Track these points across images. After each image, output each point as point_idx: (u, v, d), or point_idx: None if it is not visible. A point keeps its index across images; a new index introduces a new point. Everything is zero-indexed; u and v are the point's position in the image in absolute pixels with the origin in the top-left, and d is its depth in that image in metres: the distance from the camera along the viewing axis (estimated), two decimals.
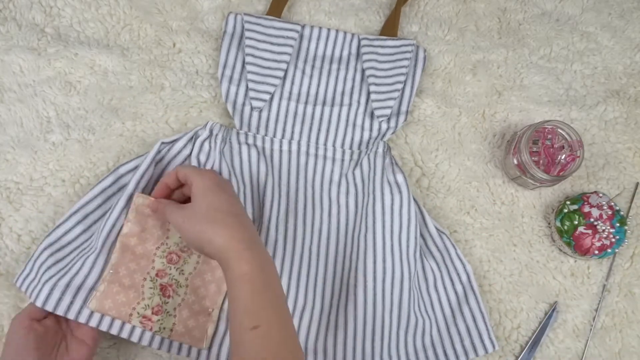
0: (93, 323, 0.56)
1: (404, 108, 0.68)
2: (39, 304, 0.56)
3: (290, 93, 0.68)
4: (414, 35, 0.73)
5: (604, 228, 0.64)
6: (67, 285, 0.57)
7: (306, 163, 0.67)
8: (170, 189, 0.59)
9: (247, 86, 0.66)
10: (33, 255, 0.59)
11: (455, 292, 0.64)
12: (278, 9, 0.70)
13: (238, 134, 0.66)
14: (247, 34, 0.67)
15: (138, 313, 0.57)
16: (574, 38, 0.75)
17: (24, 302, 0.61)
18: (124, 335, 0.57)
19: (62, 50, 0.67)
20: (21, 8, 0.69)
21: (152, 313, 0.57)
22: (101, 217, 0.61)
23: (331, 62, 0.69)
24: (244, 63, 0.67)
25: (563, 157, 0.67)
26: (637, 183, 0.71)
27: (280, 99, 0.68)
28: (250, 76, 0.66)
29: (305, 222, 0.64)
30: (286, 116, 0.67)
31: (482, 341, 0.63)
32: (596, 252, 0.65)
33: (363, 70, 0.68)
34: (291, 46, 0.67)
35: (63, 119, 0.66)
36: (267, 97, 0.66)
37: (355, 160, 0.67)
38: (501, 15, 0.75)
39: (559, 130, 0.67)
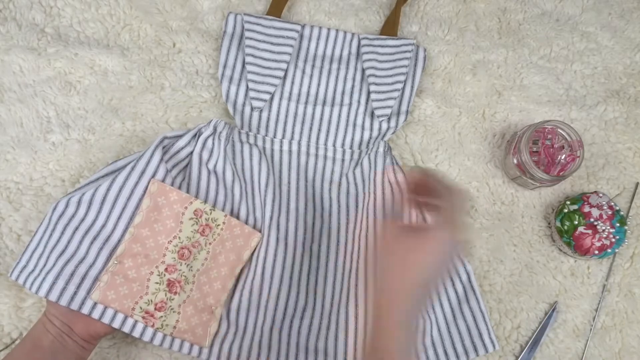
0: (96, 315, 0.55)
1: (404, 108, 0.68)
2: (42, 294, 0.54)
3: (291, 93, 0.68)
4: (414, 35, 0.73)
5: (604, 228, 0.64)
6: (72, 274, 0.55)
7: (306, 163, 0.67)
8: (415, 190, 0.48)
9: (247, 86, 0.66)
10: (29, 246, 0.57)
11: (456, 292, 0.64)
12: (278, 9, 0.70)
13: (240, 132, 0.66)
14: (247, 34, 0.67)
15: (140, 308, 0.56)
16: (574, 38, 0.75)
17: (24, 302, 0.61)
18: (126, 329, 0.56)
19: (62, 50, 0.67)
20: (21, 8, 0.69)
21: (155, 309, 0.56)
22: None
23: (331, 62, 0.69)
24: (244, 63, 0.67)
25: (563, 157, 0.67)
26: (637, 183, 0.71)
27: (281, 99, 0.68)
28: (250, 76, 0.66)
29: (306, 222, 0.64)
30: (286, 116, 0.67)
31: (482, 341, 0.63)
32: (596, 252, 0.65)
33: (363, 70, 0.68)
34: (291, 46, 0.67)
35: (63, 119, 0.66)
36: (267, 97, 0.66)
37: (355, 160, 0.67)
38: (501, 15, 0.75)
39: (559, 130, 0.67)
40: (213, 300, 0.59)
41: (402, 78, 0.68)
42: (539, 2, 0.76)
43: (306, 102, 0.68)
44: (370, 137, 0.68)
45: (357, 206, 0.65)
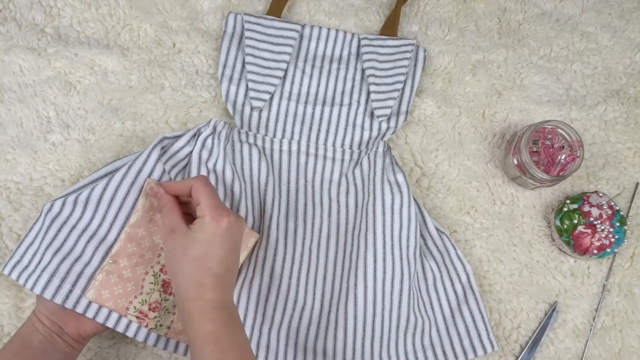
0: (90, 314, 0.55)
1: (403, 108, 0.68)
2: (37, 291, 0.54)
3: (290, 93, 0.68)
4: (414, 35, 0.73)
5: (603, 228, 0.64)
6: (67, 272, 0.55)
7: (306, 163, 0.67)
8: (179, 194, 0.55)
9: (247, 86, 0.66)
10: (23, 242, 0.57)
11: (455, 293, 0.64)
12: (278, 9, 0.70)
13: (239, 132, 0.66)
14: (247, 33, 0.67)
15: (134, 307, 0.56)
16: (574, 38, 0.75)
17: (24, 302, 0.61)
18: (120, 329, 0.56)
19: (62, 50, 0.68)
20: (21, 8, 0.69)
21: (149, 309, 0.56)
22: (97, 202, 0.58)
23: (331, 62, 0.69)
24: (244, 63, 0.67)
25: (563, 157, 0.67)
26: (637, 183, 0.71)
27: (280, 98, 0.68)
28: (250, 76, 0.66)
29: (306, 222, 0.64)
30: (286, 116, 0.67)
31: (481, 341, 0.63)
32: (595, 251, 0.65)
33: (363, 70, 0.68)
34: (291, 46, 0.67)
35: (63, 119, 0.66)
36: (267, 97, 0.66)
37: (355, 160, 0.67)
38: (501, 15, 0.75)
39: (559, 130, 0.67)
40: None
41: (402, 78, 0.68)
42: (539, 2, 0.76)
43: (306, 102, 0.68)
44: (370, 137, 0.68)
45: (356, 206, 0.65)
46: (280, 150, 0.67)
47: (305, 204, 0.65)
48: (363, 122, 0.68)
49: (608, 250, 0.65)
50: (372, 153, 0.67)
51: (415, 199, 0.65)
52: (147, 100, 0.68)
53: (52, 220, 0.57)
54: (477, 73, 0.73)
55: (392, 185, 0.65)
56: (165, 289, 0.58)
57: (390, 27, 0.71)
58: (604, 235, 0.64)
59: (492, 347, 0.63)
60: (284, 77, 0.68)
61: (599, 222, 0.65)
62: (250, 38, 0.67)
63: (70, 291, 0.55)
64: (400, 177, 0.65)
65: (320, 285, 0.62)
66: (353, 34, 0.70)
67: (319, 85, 0.69)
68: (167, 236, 0.52)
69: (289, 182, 0.66)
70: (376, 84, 0.67)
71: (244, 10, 0.72)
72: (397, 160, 0.67)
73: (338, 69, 0.69)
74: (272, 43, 0.67)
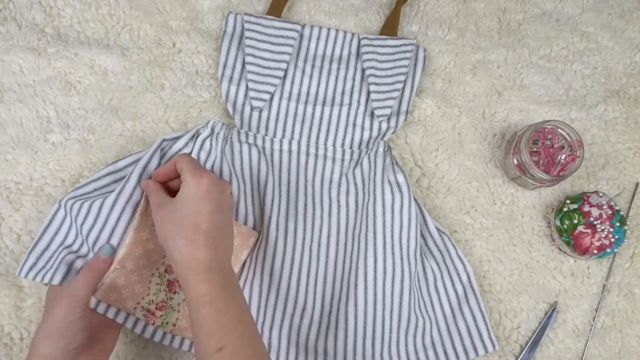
0: (101, 310, 0.56)
1: (404, 108, 0.68)
2: (56, 281, 0.55)
3: (290, 93, 0.68)
4: (414, 35, 0.73)
5: (603, 228, 0.64)
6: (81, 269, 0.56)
7: (306, 163, 0.67)
8: (167, 177, 0.58)
9: (247, 86, 0.66)
10: (37, 246, 0.58)
11: (456, 292, 0.64)
12: (278, 9, 0.70)
13: (239, 132, 0.66)
14: (247, 33, 0.67)
15: (142, 307, 0.57)
16: (574, 38, 0.75)
17: (24, 302, 0.61)
18: (128, 325, 0.57)
19: (62, 50, 0.67)
20: (21, 8, 0.69)
21: (156, 308, 0.57)
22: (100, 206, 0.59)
23: (331, 62, 0.69)
24: (244, 63, 0.67)
25: (563, 157, 0.67)
26: (637, 183, 0.71)
27: (281, 98, 0.68)
28: (250, 76, 0.66)
29: (306, 222, 0.64)
30: (286, 116, 0.67)
31: (482, 341, 0.63)
32: (595, 251, 0.65)
33: (363, 70, 0.68)
34: (291, 46, 0.67)
35: (63, 119, 0.66)
36: (267, 96, 0.66)
37: (355, 160, 0.67)
38: (501, 15, 0.75)
39: (559, 130, 0.67)
40: None
41: (402, 78, 0.68)
42: (539, 2, 0.76)
43: (306, 102, 0.68)
44: (370, 137, 0.68)
45: (356, 206, 0.65)
46: (281, 150, 0.67)
47: (306, 204, 0.65)
48: (363, 122, 0.68)
49: (608, 250, 0.65)
50: (373, 153, 0.67)
51: (415, 199, 0.65)
52: (147, 100, 0.68)
53: (62, 221, 0.59)
54: (477, 73, 0.73)
55: (392, 186, 0.65)
56: (170, 288, 0.58)
57: (390, 27, 0.71)
58: (604, 235, 0.64)
59: (493, 346, 0.63)
60: (284, 77, 0.68)
61: (599, 222, 0.65)
62: (251, 38, 0.67)
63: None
64: (400, 177, 0.65)
65: (320, 286, 0.62)
66: (353, 34, 0.70)
67: (319, 85, 0.69)
68: (155, 212, 0.53)
69: (289, 182, 0.66)
70: (376, 84, 0.67)
71: (244, 10, 0.72)
72: (398, 161, 0.67)
73: (338, 68, 0.69)
74: (272, 43, 0.67)
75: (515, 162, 0.66)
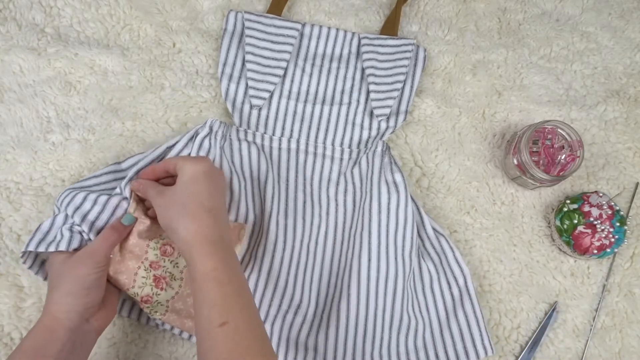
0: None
1: (403, 107, 0.68)
2: (62, 247, 0.55)
3: (290, 91, 0.68)
4: (414, 35, 0.73)
5: (603, 228, 0.64)
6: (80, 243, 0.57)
7: (305, 161, 0.67)
8: (155, 176, 0.59)
9: (247, 84, 0.66)
10: (42, 225, 0.58)
11: (452, 295, 0.64)
12: (278, 9, 0.70)
13: (238, 130, 0.66)
14: (247, 32, 0.67)
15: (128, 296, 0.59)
16: (574, 38, 0.75)
17: (24, 302, 0.61)
18: (124, 313, 0.60)
19: (62, 50, 0.68)
20: (21, 8, 0.69)
21: (142, 301, 0.58)
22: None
23: (331, 61, 0.69)
24: (244, 61, 0.67)
25: (563, 157, 0.67)
26: (637, 183, 0.71)
27: (280, 97, 0.68)
28: (250, 74, 0.66)
29: (305, 220, 0.64)
30: (285, 114, 0.68)
31: (474, 346, 0.62)
32: (595, 251, 0.65)
33: (363, 69, 0.69)
34: (291, 44, 0.67)
35: (63, 119, 0.66)
36: (266, 95, 0.66)
37: (354, 159, 0.67)
38: (501, 15, 0.75)
39: (559, 130, 0.67)
40: None
41: (401, 78, 0.68)
42: (539, 2, 0.76)
43: (305, 101, 0.68)
44: (369, 137, 0.68)
45: (354, 205, 0.65)
46: (280, 148, 0.67)
47: (305, 202, 0.65)
48: (362, 121, 0.68)
49: (608, 250, 0.65)
50: (371, 152, 0.67)
51: (414, 200, 0.65)
52: (147, 100, 0.68)
53: (74, 210, 0.58)
54: (477, 73, 0.73)
55: (389, 185, 0.65)
56: (157, 284, 0.59)
57: (390, 27, 0.71)
58: (604, 235, 0.64)
59: (486, 352, 0.62)
60: (284, 75, 0.68)
61: (599, 222, 0.65)
62: (251, 36, 0.67)
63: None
64: (397, 177, 0.65)
65: (316, 283, 0.63)
66: (353, 33, 0.70)
67: (318, 83, 0.69)
68: (157, 199, 0.54)
69: (287, 180, 0.66)
70: (376, 83, 0.67)
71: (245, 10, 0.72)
72: (397, 160, 0.67)
73: (338, 67, 0.69)
74: (272, 41, 0.67)
75: (515, 162, 0.66)
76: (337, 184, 0.66)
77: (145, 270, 0.58)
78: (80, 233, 0.57)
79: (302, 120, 0.68)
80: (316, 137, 0.68)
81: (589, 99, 0.73)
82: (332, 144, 0.68)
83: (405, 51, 0.69)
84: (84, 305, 0.52)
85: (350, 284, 0.62)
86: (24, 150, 0.65)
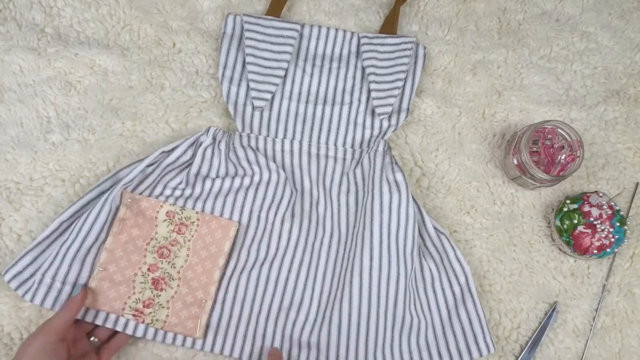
0: (89, 319, 0.59)
1: (404, 105, 0.68)
2: (37, 302, 0.58)
3: (291, 93, 0.68)
4: (414, 34, 0.73)
5: (603, 228, 0.64)
6: (63, 283, 0.59)
7: (308, 162, 0.67)
8: None
9: (247, 86, 0.67)
10: (26, 256, 0.60)
11: (453, 294, 0.64)
12: (277, 9, 0.70)
13: (241, 137, 0.66)
14: (247, 34, 0.67)
15: (130, 307, 0.59)
16: (574, 38, 0.75)
17: (24, 302, 0.61)
18: (119, 328, 0.59)
19: (62, 50, 0.68)
20: (21, 8, 0.69)
21: (144, 306, 0.59)
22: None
23: (331, 61, 0.69)
24: (244, 63, 0.67)
25: (563, 157, 0.67)
26: (637, 183, 0.71)
27: (281, 98, 0.68)
28: (251, 76, 0.66)
29: (311, 220, 0.65)
30: (287, 116, 0.68)
31: (477, 344, 0.62)
32: (595, 251, 0.65)
33: (363, 69, 0.69)
34: (291, 45, 0.67)
35: (63, 119, 0.66)
36: (268, 96, 0.66)
37: (356, 159, 0.67)
38: (501, 15, 0.75)
39: (559, 130, 0.67)
40: (202, 293, 0.61)
41: (402, 76, 0.68)
42: (539, 2, 0.76)
43: (307, 102, 0.68)
44: (371, 136, 0.68)
45: (356, 205, 0.65)
46: (282, 151, 0.67)
47: (311, 203, 0.65)
48: (364, 121, 0.68)
49: (608, 250, 0.65)
50: (373, 152, 0.67)
51: (414, 199, 0.65)
52: (147, 100, 0.68)
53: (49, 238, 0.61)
54: (477, 73, 0.73)
55: (390, 184, 0.65)
56: (155, 286, 0.60)
57: (389, 26, 0.71)
58: (604, 235, 0.64)
59: (488, 349, 0.62)
60: (285, 76, 0.68)
61: (599, 222, 0.65)
62: (250, 38, 0.67)
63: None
64: (399, 176, 0.65)
65: (319, 282, 0.63)
66: (352, 33, 0.70)
67: (319, 84, 0.69)
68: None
69: (293, 182, 0.66)
70: (377, 82, 0.67)
71: (244, 11, 0.72)
72: (397, 160, 0.67)
73: (338, 67, 0.69)
74: (272, 43, 0.67)
75: (515, 162, 0.66)
76: (340, 184, 0.66)
77: (142, 275, 0.60)
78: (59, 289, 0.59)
79: (304, 121, 0.68)
80: (318, 137, 0.68)
81: (589, 99, 0.73)
82: (334, 144, 0.68)
83: (405, 49, 0.69)
84: None
85: (353, 283, 0.62)
86: (24, 150, 0.65)
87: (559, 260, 0.68)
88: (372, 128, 0.68)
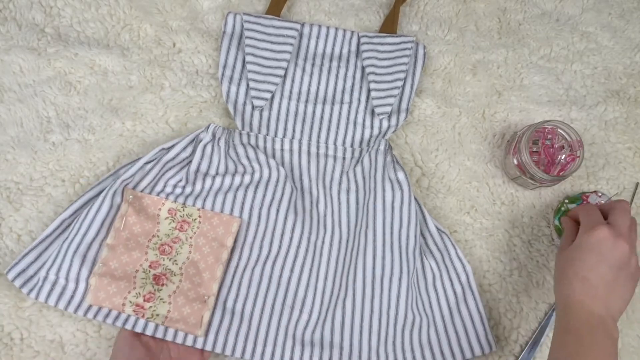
0: (91, 315, 0.59)
1: (404, 105, 0.68)
2: (41, 299, 0.58)
3: (291, 92, 0.68)
4: (414, 34, 0.73)
5: None
6: (66, 279, 0.59)
7: (308, 162, 0.67)
8: (576, 219, 0.61)
9: (247, 86, 0.67)
10: (30, 254, 0.60)
11: (454, 292, 0.64)
12: (277, 9, 0.70)
13: (241, 134, 0.66)
14: (246, 33, 0.67)
15: (130, 302, 0.59)
16: (574, 38, 0.75)
17: (24, 301, 0.61)
18: (119, 324, 0.59)
19: (62, 50, 0.68)
20: (21, 8, 0.69)
21: (144, 300, 0.59)
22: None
23: (331, 60, 0.69)
24: (244, 63, 0.67)
25: (563, 157, 0.67)
26: (637, 183, 0.71)
27: (281, 98, 0.68)
28: (251, 75, 0.66)
29: (312, 218, 0.65)
30: (287, 115, 0.68)
31: (478, 341, 0.63)
32: None
33: (363, 68, 0.69)
34: (291, 44, 0.67)
35: (63, 119, 0.66)
36: (268, 95, 0.66)
37: (356, 159, 0.67)
38: (501, 15, 0.75)
39: (559, 130, 0.67)
40: (205, 290, 0.61)
41: (402, 75, 0.68)
42: (539, 2, 0.76)
43: (306, 101, 0.68)
44: (370, 135, 0.68)
45: (357, 204, 0.65)
46: (282, 150, 0.67)
47: (311, 202, 0.65)
48: (364, 120, 0.68)
49: None
50: (374, 151, 0.67)
51: (416, 198, 0.65)
52: (147, 100, 0.68)
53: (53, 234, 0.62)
54: (477, 73, 0.73)
55: (392, 183, 0.65)
56: (157, 282, 0.60)
57: (389, 26, 0.71)
58: None
59: (490, 347, 0.63)
60: (284, 75, 0.68)
61: None
62: (250, 37, 0.67)
63: (72, 297, 0.59)
64: (401, 175, 0.65)
65: (321, 281, 0.63)
66: (352, 32, 0.70)
67: (319, 83, 0.69)
68: (558, 252, 0.59)
69: (293, 181, 0.66)
70: (376, 82, 0.67)
71: (244, 10, 0.72)
72: (398, 159, 0.67)
73: (338, 67, 0.69)
74: (272, 42, 0.67)
75: (515, 162, 0.66)
76: (340, 183, 0.66)
77: (144, 271, 0.60)
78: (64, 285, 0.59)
79: (303, 121, 0.68)
80: (318, 137, 0.68)
81: (589, 99, 0.73)
82: (334, 144, 0.68)
83: (405, 49, 0.69)
84: None
85: (356, 281, 0.63)
86: (24, 150, 0.65)
87: None
88: (372, 127, 0.68)
